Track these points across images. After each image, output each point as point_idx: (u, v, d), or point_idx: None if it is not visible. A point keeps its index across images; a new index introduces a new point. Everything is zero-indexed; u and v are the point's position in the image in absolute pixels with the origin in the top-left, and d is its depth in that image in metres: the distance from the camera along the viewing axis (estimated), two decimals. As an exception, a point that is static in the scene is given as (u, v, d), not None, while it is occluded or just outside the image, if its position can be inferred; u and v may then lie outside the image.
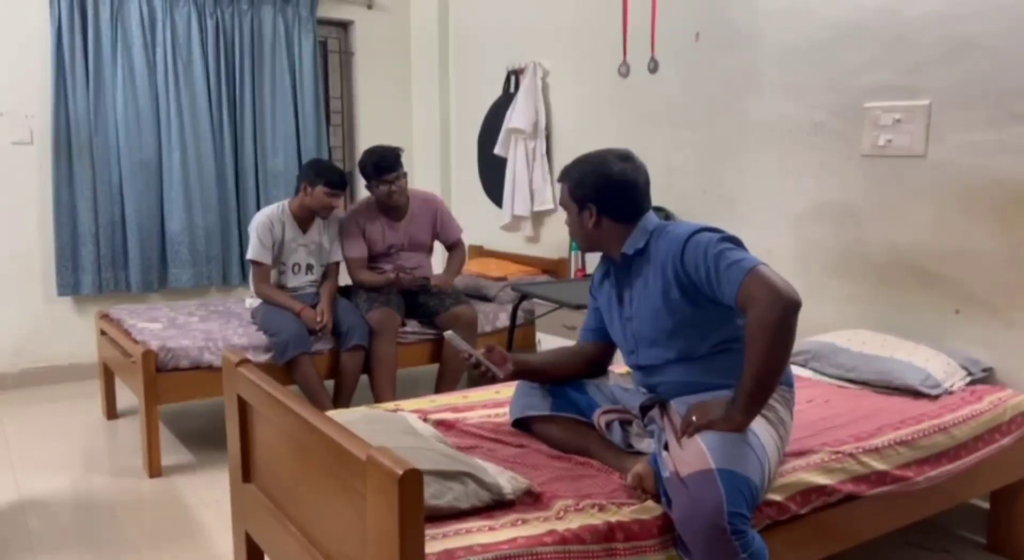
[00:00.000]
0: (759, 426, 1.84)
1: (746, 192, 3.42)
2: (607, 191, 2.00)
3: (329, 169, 3.68)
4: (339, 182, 3.63)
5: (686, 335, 1.95)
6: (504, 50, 4.76)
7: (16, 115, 4.35)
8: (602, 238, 2.05)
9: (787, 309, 1.71)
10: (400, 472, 1.36)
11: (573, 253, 4.21)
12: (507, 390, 2.59)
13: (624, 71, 3.96)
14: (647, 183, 2.04)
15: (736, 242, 1.88)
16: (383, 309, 3.61)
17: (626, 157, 2.03)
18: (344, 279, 3.90)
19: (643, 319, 2.01)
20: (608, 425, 2.04)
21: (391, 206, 3.77)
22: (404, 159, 3.80)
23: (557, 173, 4.49)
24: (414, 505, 1.38)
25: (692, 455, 1.73)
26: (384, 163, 3.69)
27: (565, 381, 2.18)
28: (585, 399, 2.15)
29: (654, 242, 1.97)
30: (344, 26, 5.40)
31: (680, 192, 3.69)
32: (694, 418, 1.79)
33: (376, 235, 3.81)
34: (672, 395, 2.01)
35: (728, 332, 1.94)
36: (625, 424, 2.05)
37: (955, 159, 2.70)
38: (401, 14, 5.45)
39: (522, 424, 2.20)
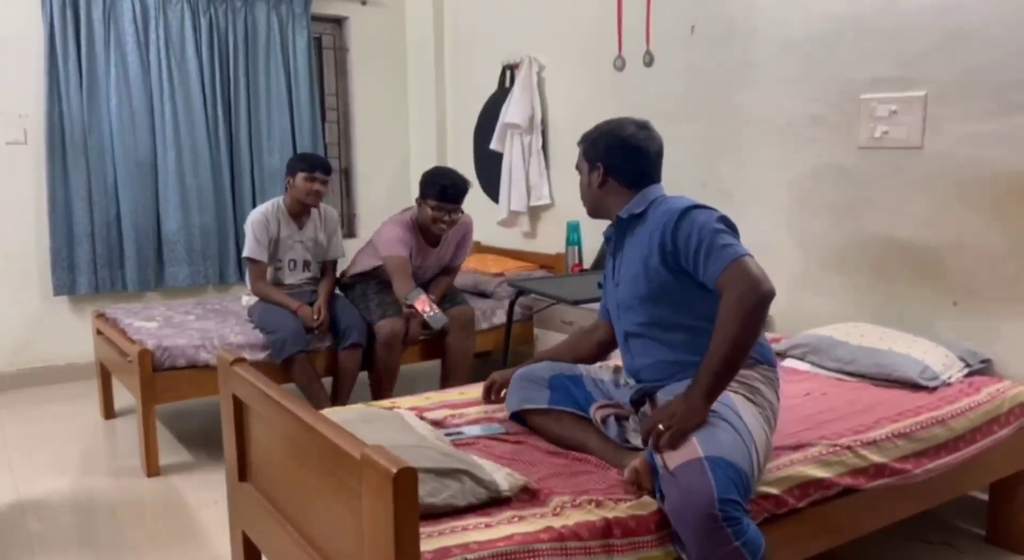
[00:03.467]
0: (745, 409, 1.85)
1: (744, 185, 3.41)
2: (617, 152, 2.06)
3: (305, 156, 3.68)
4: (316, 164, 3.61)
5: (658, 303, 1.99)
6: (499, 45, 4.75)
7: (9, 115, 4.34)
8: (606, 199, 2.10)
9: (764, 297, 1.76)
10: (394, 470, 1.35)
11: (570, 248, 4.20)
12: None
13: (620, 65, 3.95)
14: (659, 155, 2.09)
15: (732, 228, 1.91)
16: (394, 319, 3.53)
17: (643, 126, 2.09)
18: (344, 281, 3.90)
19: (625, 284, 2.06)
20: (604, 420, 2.04)
21: (432, 233, 3.64)
22: (403, 157, 3.76)
23: (553, 168, 4.50)
24: (409, 503, 1.37)
25: (682, 447, 1.73)
26: (453, 192, 3.51)
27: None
28: (583, 393, 2.15)
29: (652, 210, 2.00)
30: (338, 22, 5.39)
31: (678, 186, 3.63)
32: (660, 427, 1.76)
33: (410, 255, 3.65)
34: (653, 380, 2.03)
35: (701, 312, 1.94)
36: (621, 419, 2.04)
37: (952, 150, 2.69)
38: (396, 9, 5.44)
39: (519, 417, 2.20)
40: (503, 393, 2.32)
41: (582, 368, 2.25)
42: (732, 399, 1.86)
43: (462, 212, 3.63)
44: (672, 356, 2.00)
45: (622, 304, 2.08)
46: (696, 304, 1.95)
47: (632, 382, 2.12)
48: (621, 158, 2.06)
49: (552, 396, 2.14)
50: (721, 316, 1.79)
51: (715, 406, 1.81)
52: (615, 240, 2.13)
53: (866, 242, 2.97)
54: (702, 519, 1.61)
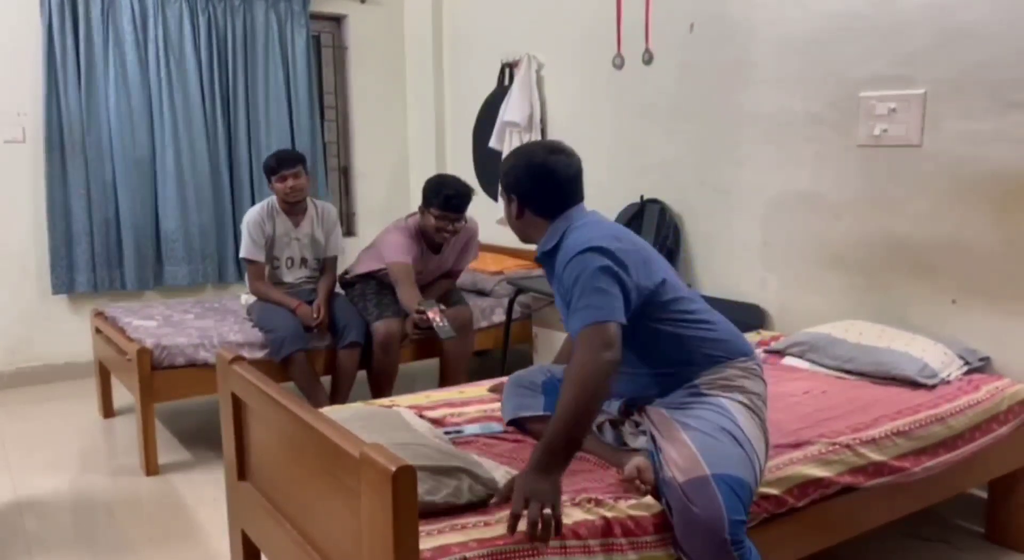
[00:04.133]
0: (741, 416, 1.82)
1: (742, 183, 3.40)
2: (526, 181, 1.97)
3: (268, 160, 3.65)
4: (281, 162, 3.59)
5: None
6: (498, 43, 4.74)
7: (8, 114, 4.33)
8: (527, 229, 2.02)
9: (600, 369, 1.68)
10: (393, 469, 1.35)
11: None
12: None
13: (619, 63, 3.94)
14: (573, 179, 1.98)
15: (618, 278, 1.79)
16: (391, 320, 3.52)
17: (554, 150, 1.99)
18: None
19: (559, 302, 1.98)
20: (599, 427, 2.03)
21: (434, 241, 3.62)
22: (402, 155, 3.75)
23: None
24: (408, 502, 1.37)
25: (684, 459, 1.73)
26: (456, 201, 3.48)
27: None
28: None
29: (563, 243, 1.91)
30: (337, 20, 5.38)
31: (676, 184, 3.67)
32: (525, 511, 1.59)
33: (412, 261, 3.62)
34: (629, 393, 2.00)
35: (647, 321, 1.87)
36: (617, 424, 2.03)
37: (951, 148, 2.69)
38: (394, 8, 5.43)
39: (516, 424, 2.18)
40: None
41: None
42: (727, 405, 1.84)
43: (465, 220, 3.61)
44: (638, 368, 1.94)
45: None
46: (639, 321, 1.84)
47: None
48: (530, 186, 1.96)
49: (547, 402, 2.10)
50: (563, 381, 1.73)
51: (712, 415, 1.80)
52: (546, 274, 2.07)
53: (865, 240, 2.97)
54: (712, 543, 1.64)
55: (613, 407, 2.05)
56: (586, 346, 1.70)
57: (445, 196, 3.46)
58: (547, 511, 1.56)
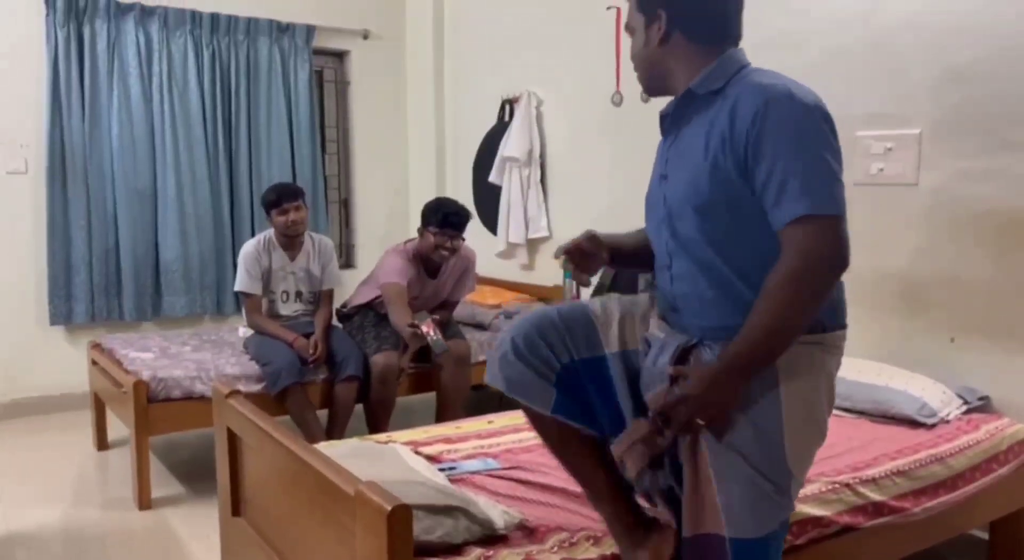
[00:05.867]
0: (798, 445, 1.47)
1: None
2: None
3: (268, 194, 3.67)
4: (281, 196, 3.61)
5: (718, 217, 1.47)
6: (499, 79, 4.79)
7: (11, 144, 4.36)
8: (667, 62, 1.56)
9: (833, 271, 1.41)
10: (389, 508, 1.34)
11: (567, 281, 4.19)
12: (500, 420, 2.57)
13: (617, 100, 3.98)
14: (740, 4, 1.60)
15: (836, 154, 1.46)
16: (389, 353, 3.52)
17: None
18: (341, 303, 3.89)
19: (677, 182, 1.54)
20: (633, 466, 1.56)
21: (432, 261, 3.65)
22: (402, 189, 3.77)
23: (551, 201, 4.52)
24: (403, 541, 1.36)
25: (707, 509, 1.46)
26: (455, 219, 3.54)
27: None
28: (603, 388, 1.63)
29: (732, 86, 1.49)
30: (340, 56, 5.44)
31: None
32: (680, 417, 1.43)
33: (409, 285, 3.65)
34: (694, 322, 1.53)
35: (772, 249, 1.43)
36: (656, 467, 1.57)
37: (947, 187, 2.71)
38: (396, 44, 5.50)
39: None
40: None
41: (613, 338, 1.67)
42: (783, 424, 1.45)
43: (463, 240, 3.65)
44: (720, 295, 1.49)
45: (671, 207, 1.54)
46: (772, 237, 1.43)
47: (667, 324, 1.60)
48: (691, 1, 1.53)
49: (558, 399, 1.61)
50: (771, 281, 1.38)
51: (760, 446, 1.44)
52: (672, 119, 1.60)
53: (862, 277, 2.97)
54: None
55: (667, 351, 1.54)
56: (813, 243, 1.36)
57: (444, 214, 3.54)
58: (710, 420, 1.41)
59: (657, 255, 1.65)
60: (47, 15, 4.30)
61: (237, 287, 3.65)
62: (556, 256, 1.74)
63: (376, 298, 3.72)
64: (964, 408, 2.55)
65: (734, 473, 1.44)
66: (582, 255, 1.72)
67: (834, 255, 1.38)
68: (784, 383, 1.46)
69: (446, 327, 3.78)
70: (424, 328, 3.31)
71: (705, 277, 1.50)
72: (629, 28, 1.64)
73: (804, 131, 1.40)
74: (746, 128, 1.41)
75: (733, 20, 1.58)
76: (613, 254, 1.75)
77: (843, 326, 1.58)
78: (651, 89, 1.66)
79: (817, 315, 1.43)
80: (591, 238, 1.72)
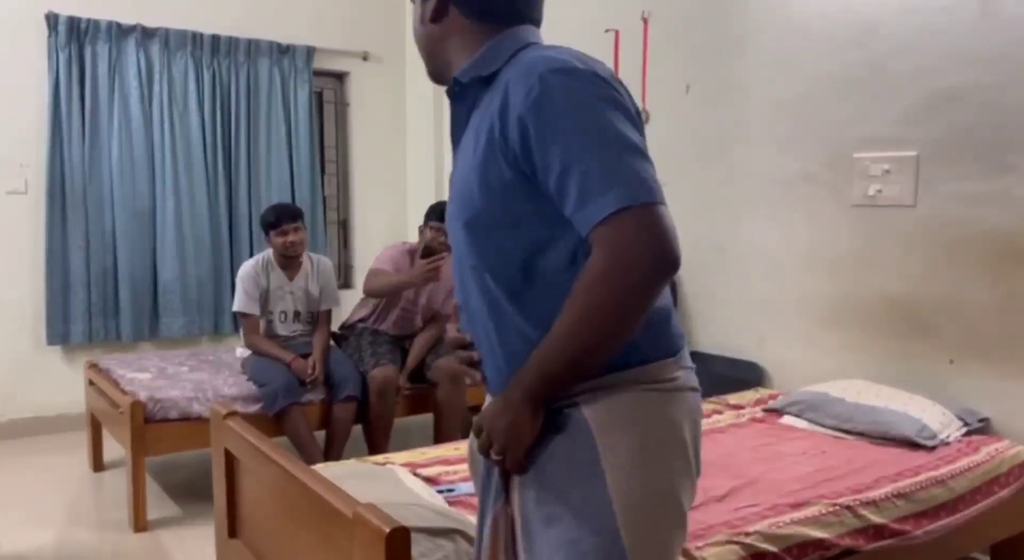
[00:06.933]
0: (630, 513, 1.13)
1: (739, 241, 3.43)
2: None
3: (267, 214, 3.69)
4: (280, 216, 3.62)
5: (494, 237, 1.20)
6: (497, 101, 4.82)
7: (11, 164, 4.37)
8: (447, 42, 1.29)
9: (665, 268, 1.09)
10: (387, 530, 1.33)
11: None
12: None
13: (616, 122, 4.00)
14: None
15: (637, 126, 1.15)
16: (387, 367, 3.53)
17: None
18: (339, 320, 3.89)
19: (453, 191, 1.27)
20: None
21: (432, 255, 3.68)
22: (400, 210, 3.79)
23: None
24: (402, 564, 1.35)
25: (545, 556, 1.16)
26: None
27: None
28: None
29: (507, 70, 1.19)
30: (340, 77, 5.47)
31: (673, 241, 3.69)
32: (492, 453, 1.18)
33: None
34: (484, 349, 1.28)
35: (568, 246, 1.16)
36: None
37: (944, 209, 2.72)
38: (396, 66, 5.53)
39: None
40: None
41: None
42: (610, 500, 1.13)
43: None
44: (512, 317, 1.20)
45: (453, 204, 1.26)
46: (565, 235, 1.15)
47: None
48: None
49: (479, 481, 1.34)
50: (575, 287, 1.09)
51: (580, 526, 1.12)
52: (454, 118, 1.32)
53: (861, 299, 2.98)
54: None
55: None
56: (633, 240, 1.06)
57: (441, 210, 3.61)
58: (505, 455, 1.15)
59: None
60: (49, 36, 4.33)
61: (235, 307, 3.65)
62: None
63: (371, 314, 3.74)
64: (964, 430, 2.55)
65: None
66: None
67: (655, 249, 1.07)
68: (602, 439, 1.14)
69: (442, 346, 3.78)
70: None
71: (492, 320, 1.22)
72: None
73: (591, 107, 1.11)
74: (519, 115, 1.12)
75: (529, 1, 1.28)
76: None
77: (672, 353, 1.20)
78: (434, 76, 1.38)
79: (635, 329, 1.10)
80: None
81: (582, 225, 1.10)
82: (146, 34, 4.59)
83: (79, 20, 4.37)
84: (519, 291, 1.18)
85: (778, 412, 2.81)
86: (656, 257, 1.07)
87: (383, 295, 3.72)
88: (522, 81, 1.13)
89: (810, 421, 2.71)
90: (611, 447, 1.14)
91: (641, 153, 1.11)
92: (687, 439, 1.19)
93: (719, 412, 2.87)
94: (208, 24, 4.77)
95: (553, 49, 1.19)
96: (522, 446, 1.15)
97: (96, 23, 4.43)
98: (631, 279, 1.06)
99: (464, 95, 1.27)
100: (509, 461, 1.16)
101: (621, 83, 1.19)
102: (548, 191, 1.13)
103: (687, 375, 1.23)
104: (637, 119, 1.16)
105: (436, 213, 3.63)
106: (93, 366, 3.81)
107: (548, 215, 1.14)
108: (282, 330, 3.73)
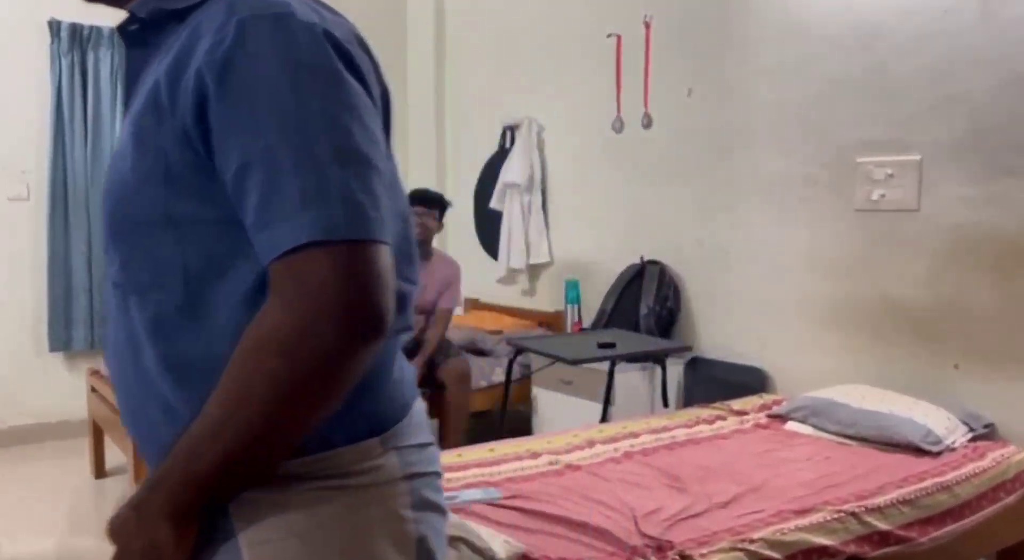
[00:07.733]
0: None
1: (741, 245, 3.42)
2: None
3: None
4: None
5: (144, 232, 0.83)
6: (500, 106, 4.82)
7: (14, 171, 4.37)
8: None
9: (362, 338, 0.75)
10: (389, 538, 1.32)
11: (569, 306, 4.19)
12: (502, 448, 2.55)
13: (618, 126, 4.00)
14: None
15: (370, 114, 0.82)
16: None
17: None
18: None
19: (116, 153, 0.88)
20: None
21: (422, 244, 3.75)
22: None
23: (553, 227, 4.52)
24: (404, 573, 1.34)
25: None
26: (421, 195, 3.79)
27: None
28: None
29: (210, 4, 0.82)
30: (341, 83, 5.47)
31: (676, 245, 3.69)
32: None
33: None
34: (124, 410, 0.92)
35: (244, 275, 0.81)
36: None
37: (948, 213, 2.71)
38: (398, 71, 5.53)
39: None
40: None
41: None
42: None
43: (437, 221, 3.84)
44: (152, 401, 0.86)
45: (108, 183, 0.88)
46: (238, 256, 0.81)
47: None
48: None
49: None
50: (250, 341, 0.75)
51: None
52: (129, 64, 0.94)
53: (865, 303, 2.97)
54: None
55: None
56: (315, 294, 0.73)
57: (422, 195, 3.82)
58: None
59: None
60: (51, 42, 4.33)
61: None
62: None
63: None
64: (969, 435, 2.53)
65: None
66: None
67: (354, 306, 0.73)
68: None
69: (447, 349, 3.78)
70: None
71: (133, 370, 0.86)
72: None
73: (306, 80, 0.76)
74: (197, 70, 0.77)
75: None
76: None
77: (378, 430, 0.85)
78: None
79: (325, 414, 0.78)
80: None
81: (261, 251, 0.76)
82: (148, 40, 4.59)
83: (81, 27, 4.37)
84: (171, 331, 0.81)
85: (782, 418, 2.80)
86: (354, 318, 0.73)
87: None
88: (215, 24, 0.78)
89: (814, 427, 2.69)
90: None
91: (366, 161, 0.77)
92: (390, 556, 0.82)
93: (723, 418, 2.86)
94: (210, 30, 4.78)
95: None
96: None
97: (98, 30, 4.44)
98: (316, 346, 0.72)
99: (143, 36, 0.89)
100: None
101: (369, 52, 0.87)
102: (226, 187, 0.78)
103: (403, 460, 0.85)
104: (381, 106, 0.85)
105: (415, 199, 3.69)
106: (95, 373, 3.80)
107: (230, 220, 0.78)
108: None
